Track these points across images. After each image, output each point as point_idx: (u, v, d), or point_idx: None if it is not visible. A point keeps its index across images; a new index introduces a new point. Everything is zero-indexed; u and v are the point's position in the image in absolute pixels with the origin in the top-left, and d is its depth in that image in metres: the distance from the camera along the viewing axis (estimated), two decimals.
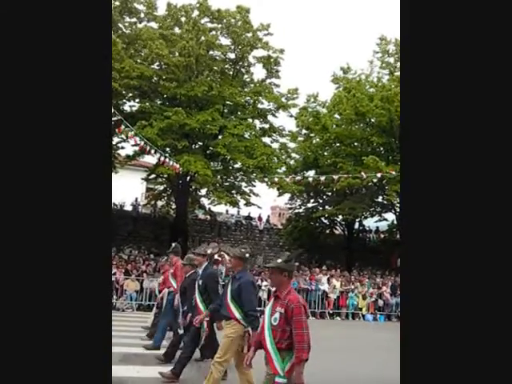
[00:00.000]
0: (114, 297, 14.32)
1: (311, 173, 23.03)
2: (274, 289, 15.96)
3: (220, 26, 20.45)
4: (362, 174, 19.27)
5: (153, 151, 15.96)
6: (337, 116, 23.22)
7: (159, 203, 25.64)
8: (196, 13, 20.17)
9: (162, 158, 16.46)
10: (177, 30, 20.29)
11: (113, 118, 15.89)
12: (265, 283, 15.84)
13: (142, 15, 20.46)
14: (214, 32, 20.29)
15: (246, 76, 21.69)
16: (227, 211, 27.45)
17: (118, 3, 19.65)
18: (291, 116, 22.75)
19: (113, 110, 15.34)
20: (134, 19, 20.41)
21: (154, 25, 20.44)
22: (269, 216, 31.45)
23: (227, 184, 20.94)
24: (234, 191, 20.96)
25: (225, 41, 20.75)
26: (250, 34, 20.24)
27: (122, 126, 16.16)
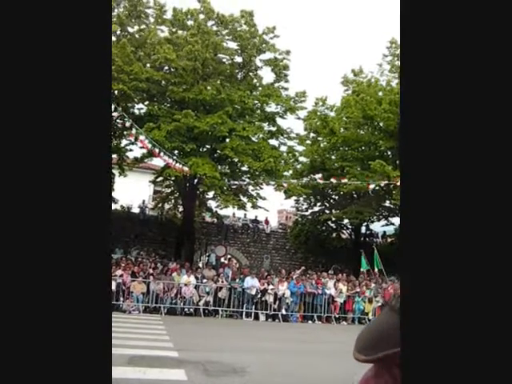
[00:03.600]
0: (121, 299, 14.39)
1: (318, 176, 23.04)
2: (280, 292, 15.90)
3: (226, 31, 20.54)
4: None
5: (162, 154, 16.07)
6: (345, 119, 23.23)
7: (166, 206, 25.73)
8: (201, 17, 20.28)
9: (172, 161, 16.54)
10: (183, 34, 20.42)
11: (121, 121, 16.08)
12: (271, 287, 15.85)
13: (151, 19, 20.63)
14: (220, 36, 20.39)
15: (254, 80, 21.73)
16: (234, 214, 27.46)
17: (127, 7, 19.84)
18: (299, 118, 22.77)
19: (122, 114, 15.50)
20: (144, 25, 20.58)
21: (163, 28, 20.58)
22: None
23: (234, 187, 20.99)
24: (240, 194, 21.01)
25: (231, 44, 20.85)
26: (256, 39, 20.25)
27: (133, 130, 16.32)
